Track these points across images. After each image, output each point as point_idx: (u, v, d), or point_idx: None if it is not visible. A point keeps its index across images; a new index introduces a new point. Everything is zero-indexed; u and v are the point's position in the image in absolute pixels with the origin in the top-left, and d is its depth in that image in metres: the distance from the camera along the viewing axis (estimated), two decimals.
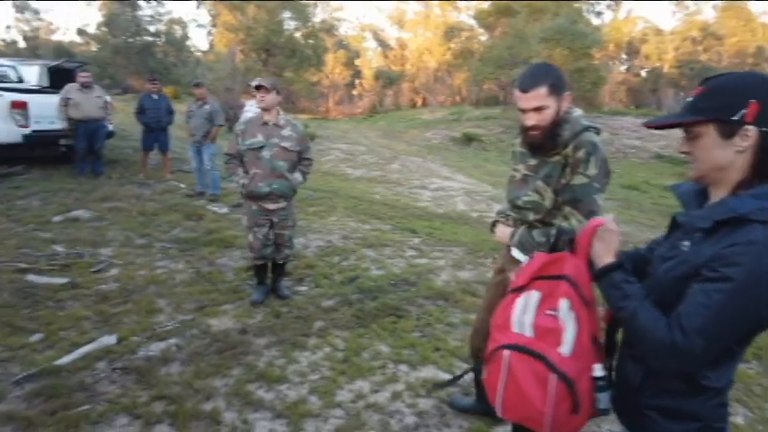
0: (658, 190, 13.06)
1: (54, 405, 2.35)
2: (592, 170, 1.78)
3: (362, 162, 13.33)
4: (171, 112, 7.90)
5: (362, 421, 2.43)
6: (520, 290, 1.43)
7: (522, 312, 1.39)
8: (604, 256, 1.27)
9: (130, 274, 4.11)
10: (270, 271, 3.90)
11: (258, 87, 3.48)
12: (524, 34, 22.69)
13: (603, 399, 1.27)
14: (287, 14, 24.64)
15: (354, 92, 39.59)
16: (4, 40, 36.55)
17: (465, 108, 26.13)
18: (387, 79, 34.20)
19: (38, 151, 8.03)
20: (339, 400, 2.58)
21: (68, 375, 2.60)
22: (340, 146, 15.42)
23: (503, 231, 2.07)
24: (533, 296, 1.39)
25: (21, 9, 37.40)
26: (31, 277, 3.85)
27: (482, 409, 2.46)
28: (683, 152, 1.19)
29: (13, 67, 9.63)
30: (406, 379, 2.81)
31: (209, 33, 33.46)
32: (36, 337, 3.00)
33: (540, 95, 1.78)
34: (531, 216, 1.94)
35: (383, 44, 37.56)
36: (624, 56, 39.12)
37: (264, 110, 3.53)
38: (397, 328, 3.42)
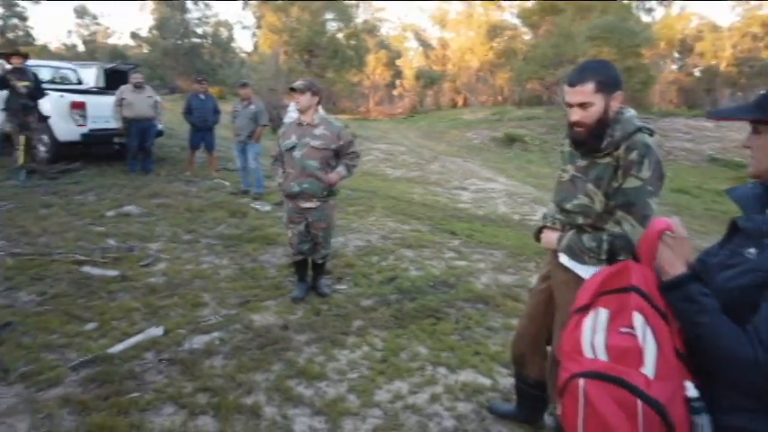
0: (711, 194, 12.45)
1: (106, 391, 2.46)
2: (645, 172, 1.70)
3: (402, 162, 13.32)
4: (217, 112, 8.13)
5: (400, 422, 2.42)
6: (585, 309, 1.28)
7: (592, 334, 1.22)
8: (675, 265, 1.15)
9: (177, 268, 4.25)
10: (310, 269, 3.95)
11: (293, 90, 3.56)
12: (570, 33, 22.08)
13: (704, 424, 1.08)
14: (330, 15, 24.93)
15: (395, 92, 39.62)
16: (65, 44, 38.68)
17: (507, 108, 25.69)
18: (428, 79, 34.06)
19: (94, 149, 8.46)
20: (377, 400, 2.58)
21: (120, 363, 2.71)
22: (380, 146, 15.47)
23: (549, 236, 2.00)
24: (601, 314, 1.23)
25: (81, 14, 39.48)
26: (87, 269, 4.04)
27: (522, 415, 2.41)
28: (745, 146, 1.14)
29: (74, 70, 10.17)
30: (445, 382, 2.79)
31: (254, 35, 34.24)
32: (90, 326, 3.15)
33: (585, 91, 1.73)
34: (581, 220, 1.86)
35: (424, 44, 37.41)
36: (676, 54, 37.46)
37: (301, 111, 3.59)
38: (435, 330, 3.40)
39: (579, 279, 1.89)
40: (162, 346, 2.95)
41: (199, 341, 3.06)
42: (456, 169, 12.63)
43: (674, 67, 37.74)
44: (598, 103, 1.74)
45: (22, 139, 6.96)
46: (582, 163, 1.87)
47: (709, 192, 12.82)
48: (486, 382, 2.80)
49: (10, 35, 30.95)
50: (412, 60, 38.91)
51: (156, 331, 3.11)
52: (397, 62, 38.24)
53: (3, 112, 7.19)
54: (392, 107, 35.31)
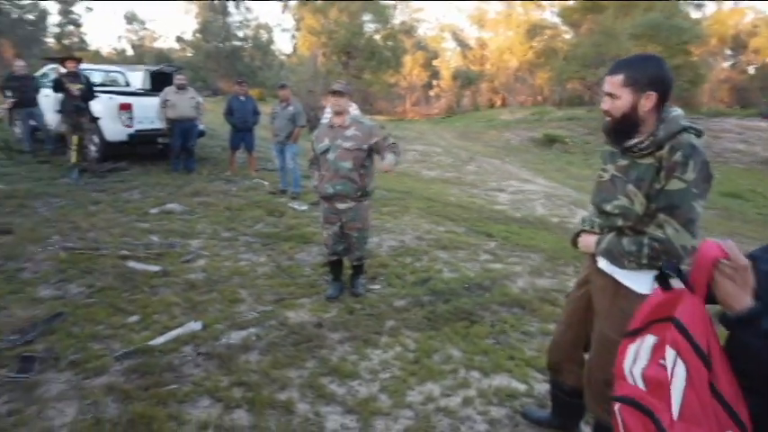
0: (764, 199, 11.83)
1: (147, 381, 2.55)
2: (690, 174, 1.61)
3: (438, 163, 13.25)
4: (257, 113, 8.30)
5: (432, 424, 2.41)
6: (634, 334, 1.22)
7: (633, 361, 1.19)
8: (740, 298, 1.03)
9: (216, 264, 4.36)
10: (348, 268, 4.00)
11: (335, 92, 3.55)
12: (613, 31, 21.41)
13: None
14: (367, 17, 25.06)
15: (431, 92, 39.47)
16: (115, 49, 40.39)
17: (547, 108, 25.17)
18: (465, 79, 33.78)
19: (139, 148, 8.79)
20: (409, 401, 2.57)
21: (160, 356, 2.81)
22: (416, 147, 15.44)
23: (587, 240, 1.93)
24: (648, 341, 1.19)
25: (130, 20, 41.20)
26: (131, 264, 4.20)
27: (557, 423, 2.35)
28: None
29: (122, 73, 10.62)
30: (478, 385, 2.75)
31: (293, 37, 34.84)
32: (134, 319, 3.28)
33: (614, 82, 1.70)
34: (620, 222, 1.79)
35: (462, 44, 37.11)
36: (729, 51, 35.73)
37: (338, 113, 3.60)
38: (469, 333, 3.36)
39: (618, 284, 1.82)
40: (200, 340, 3.04)
41: (235, 336, 3.13)
42: (493, 170, 12.47)
43: (726, 64, 35.99)
44: (624, 98, 1.69)
45: (74, 139, 7.31)
46: (623, 162, 1.80)
47: (762, 195, 12.18)
48: (521, 387, 2.75)
49: (66, 41, 32.58)
50: (449, 61, 38.64)
51: (195, 326, 3.20)
52: (434, 62, 38.07)
53: (58, 114, 7.59)
54: (429, 108, 35.19)
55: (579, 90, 27.21)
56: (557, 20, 30.22)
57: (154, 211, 5.95)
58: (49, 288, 3.66)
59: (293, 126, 7.25)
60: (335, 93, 3.55)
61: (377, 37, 25.64)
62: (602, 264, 1.87)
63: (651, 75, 1.67)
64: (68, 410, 2.31)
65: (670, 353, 1.08)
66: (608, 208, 1.82)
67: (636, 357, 1.18)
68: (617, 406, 1.16)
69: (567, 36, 29.25)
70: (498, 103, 32.95)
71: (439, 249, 5.21)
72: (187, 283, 3.92)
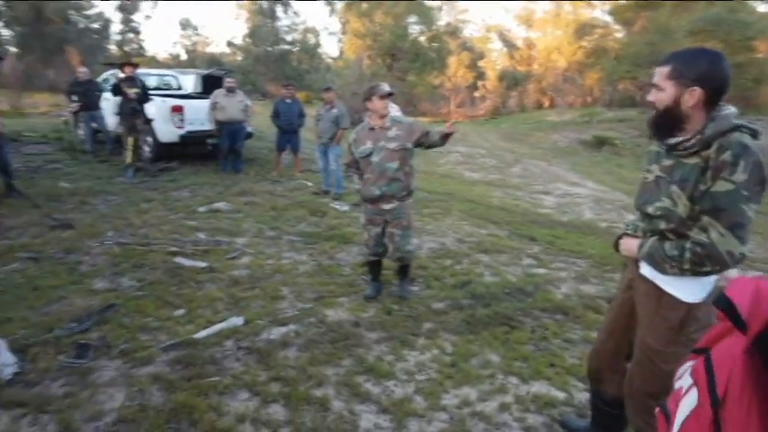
0: None
1: (190, 372, 2.64)
2: (740, 175, 1.49)
3: (481, 165, 13.08)
4: (302, 116, 8.46)
5: (467, 428, 2.37)
6: (699, 352, 1.11)
7: (680, 377, 1.12)
8: None
9: (260, 262, 4.48)
10: (389, 269, 3.99)
11: (390, 94, 3.54)
12: (668, 28, 20.45)
13: None
14: (412, 19, 25.08)
15: (476, 93, 38.97)
16: (170, 54, 42.19)
17: (597, 109, 24.32)
18: (511, 80, 33.16)
19: (190, 149, 9.15)
20: (444, 404, 2.55)
21: (203, 348, 2.90)
22: (459, 148, 15.29)
23: (629, 243, 1.84)
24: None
25: (184, 26, 43.01)
26: (179, 259, 4.37)
27: None
28: None
29: (175, 77, 11.09)
30: (516, 392, 2.69)
31: (340, 40, 35.35)
32: (179, 312, 3.41)
33: (661, 73, 1.64)
34: (663, 225, 1.70)
35: (509, 45, 36.43)
36: None
37: (383, 116, 3.58)
38: (509, 339, 3.29)
39: (660, 291, 1.74)
40: (241, 335, 3.12)
41: (275, 332, 3.20)
42: (539, 173, 12.18)
43: None
44: (668, 90, 1.62)
45: (130, 140, 7.70)
46: (667, 162, 1.71)
47: None
48: (560, 395, 2.67)
49: (126, 48, 34.34)
50: (495, 61, 38.05)
51: (237, 321, 3.29)
52: (480, 63, 37.59)
53: (116, 116, 8.02)
54: (473, 109, 34.76)
55: (631, 90, 26.13)
56: (608, 18, 29.21)
57: (202, 209, 6.17)
58: (104, 280, 3.87)
59: (337, 128, 7.34)
60: (390, 95, 3.54)
61: (422, 39, 25.61)
62: (645, 269, 1.78)
63: (698, 69, 1.58)
64: (117, 396, 2.43)
65: (687, 380, 1.04)
66: (650, 210, 1.74)
67: (682, 374, 1.11)
68: (657, 410, 1.14)
69: (619, 35, 28.20)
70: (546, 104, 32.14)
71: (480, 253, 5.13)
72: (231, 280, 4.04)
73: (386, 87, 3.57)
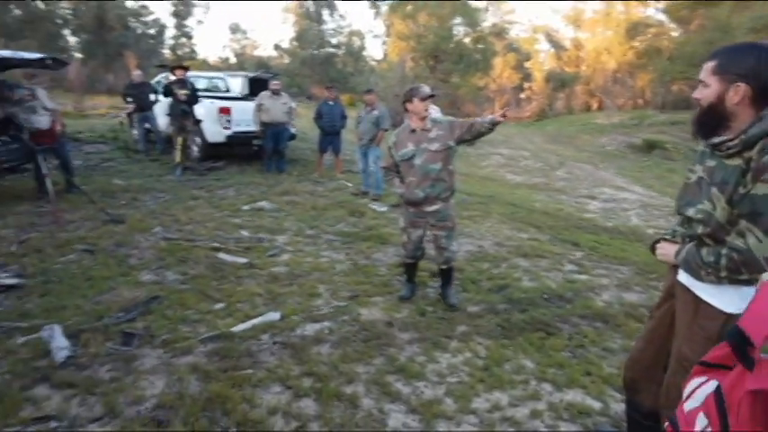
0: None
1: (226, 364, 2.73)
2: None
3: (524, 168, 12.83)
4: (344, 118, 8.57)
5: None
6: (707, 366, 1.08)
7: (689, 394, 1.08)
8: None
9: (298, 260, 4.57)
10: (437, 273, 3.94)
11: (432, 96, 3.51)
12: (728, 26, 19.38)
13: None
14: (457, 20, 24.90)
15: (522, 95, 38.25)
16: (220, 57, 43.68)
17: (648, 112, 23.36)
18: (558, 81, 32.35)
19: (236, 150, 9.45)
20: (474, 407, 2.52)
21: (239, 342, 3.00)
22: (501, 150, 15.07)
23: (666, 248, 1.77)
24: (709, 386, 1.04)
25: (234, 31, 44.40)
26: (222, 255, 4.53)
27: None
28: None
29: (223, 79, 11.47)
30: (549, 399, 2.63)
31: (384, 43, 35.48)
32: (219, 306, 3.53)
33: (707, 68, 1.59)
34: (701, 230, 1.62)
35: (557, 45, 35.53)
36: None
37: (423, 118, 3.54)
38: (544, 345, 3.21)
39: (697, 299, 1.66)
40: (277, 330, 3.20)
41: (310, 329, 3.26)
42: (585, 176, 11.83)
43: None
44: (713, 86, 1.55)
45: (179, 140, 8.03)
46: (711, 163, 1.63)
47: None
48: (595, 404, 2.59)
49: (179, 52, 35.81)
50: (542, 62, 37.22)
51: (274, 316, 3.38)
52: (526, 65, 36.88)
53: (167, 117, 8.38)
54: (519, 111, 34.12)
55: (685, 92, 24.88)
56: (662, 17, 28.02)
57: (246, 207, 6.36)
58: (150, 273, 4.05)
59: (377, 130, 7.39)
60: (431, 96, 3.50)
61: (466, 40, 25.38)
62: (683, 276, 1.71)
63: (745, 65, 1.50)
64: (158, 383, 2.55)
65: (699, 402, 1.00)
66: (690, 212, 1.66)
67: (692, 394, 1.06)
68: (666, 423, 1.08)
69: (674, 34, 26.98)
70: (594, 106, 31.15)
71: (519, 257, 5.04)
72: (270, 276, 4.15)
73: (426, 89, 3.53)
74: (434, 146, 3.49)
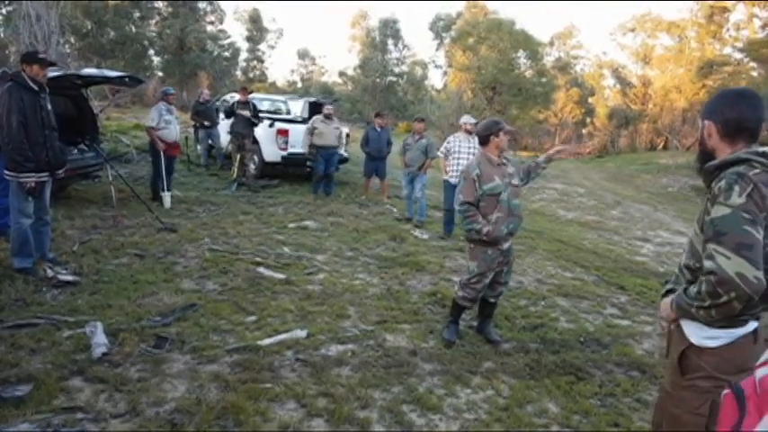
0: None
1: (247, 376, 2.80)
2: (735, 199, 1.49)
3: (578, 204, 12.43)
4: (390, 144, 8.71)
5: None
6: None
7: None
8: None
9: (333, 280, 4.64)
10: (481, 309, 3.83)
11: (510, 131, 3.56)
12: None
13: None
14: (519, 53, 24.85)
15: (584, 130, 37.34)
16: (288, 81, 45.67)
17: None
18: (622, 118, 31.36)
19: (290, 170, 9.79)
20: None
21: (263, 355, 3.07)
22: (555, 185, 14.70)
23: (664, 304, 1.76)
24: None
25: (302, 56, 46.37)
26: (261, 269, 4.67)
27: None
28: None
29: (285, 102, 12.00)
30: None
31: (445, 73, 35.91)
32: (251, 318, 3.64)
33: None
34: (691, 269, 1.69)
35: (623, 82, 34.58)
36: None
37: (503, 150, 3.54)
38: (572, 390, 3.08)
39: (678, 328, 1.70)
40: (302, 347, 3.25)
41: (334, 349, 3.29)
42: (641, 217, 11.30)
43: None
44: (705, 128, 1.69)
45: (238, 157, 8.44)
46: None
47: None
48: None
49: (250, 74, 37.82)
50: (606, 98, 36.29)
51: (301, 333, 3.44)
52: (590, 100, 36.08)
53: (228, 135, 8.85)
54: (580, 146, 33.26)
55: (763, 135, 23.44)
56: (739, 55, 26.69)
57: (292, 225, 6.56)
58: (192, 281, 4.25)
59: (425, 158, 7.45)
60: (509, 131, 3.56)
61: (528, 73, 25.23)
62: (686, 326, 1.69)
63: (711, 105, 1.69)
64: (180, 388, 2.65)
65: None
66: (683, 259, 1.75)
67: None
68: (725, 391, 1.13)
69: (754, 74, 25.58)
70: (660, 145, 29.89)
71: (559, 296, 4.88)
72: (304, 293, 4.23)
73: (505, 124, 3.57)
74: (515, 180, 3.52)
